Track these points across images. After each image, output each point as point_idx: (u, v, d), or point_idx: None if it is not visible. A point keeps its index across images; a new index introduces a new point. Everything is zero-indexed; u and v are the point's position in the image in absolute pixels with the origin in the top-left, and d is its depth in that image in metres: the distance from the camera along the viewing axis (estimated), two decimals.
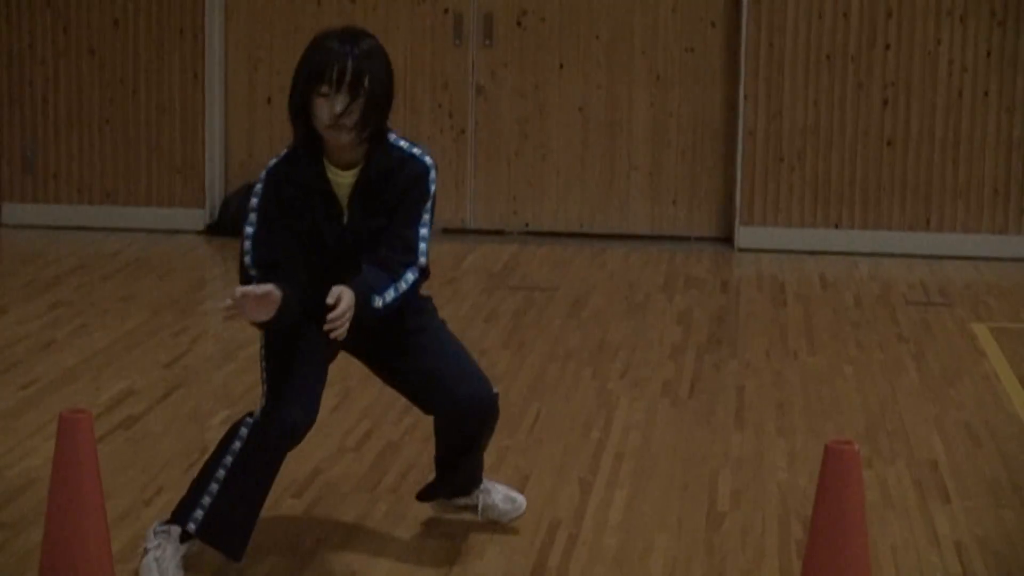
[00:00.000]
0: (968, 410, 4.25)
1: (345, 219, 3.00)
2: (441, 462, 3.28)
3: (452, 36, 6.55)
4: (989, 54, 6.24)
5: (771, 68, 6.34)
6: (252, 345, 4.87)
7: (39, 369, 4.53)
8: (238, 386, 4.41)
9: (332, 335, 2.85)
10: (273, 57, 6.64)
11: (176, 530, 3.05)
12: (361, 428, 4.04)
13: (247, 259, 2.99)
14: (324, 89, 2.91)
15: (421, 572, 3.13)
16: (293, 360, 3.01)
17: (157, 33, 6.56)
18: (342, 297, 2.85)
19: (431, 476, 3.36)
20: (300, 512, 3.44)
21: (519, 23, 6.54)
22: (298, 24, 6.61)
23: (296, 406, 2.98)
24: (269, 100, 6.67)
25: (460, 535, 3.31)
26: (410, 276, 2.99)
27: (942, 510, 3.49)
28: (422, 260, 3.00)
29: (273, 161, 3.04)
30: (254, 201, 3.00)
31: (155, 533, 3.07)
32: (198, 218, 6.64)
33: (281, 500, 3.50)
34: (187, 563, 3.06)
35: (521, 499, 3.34)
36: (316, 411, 3.03)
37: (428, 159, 3.04)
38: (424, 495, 3.36)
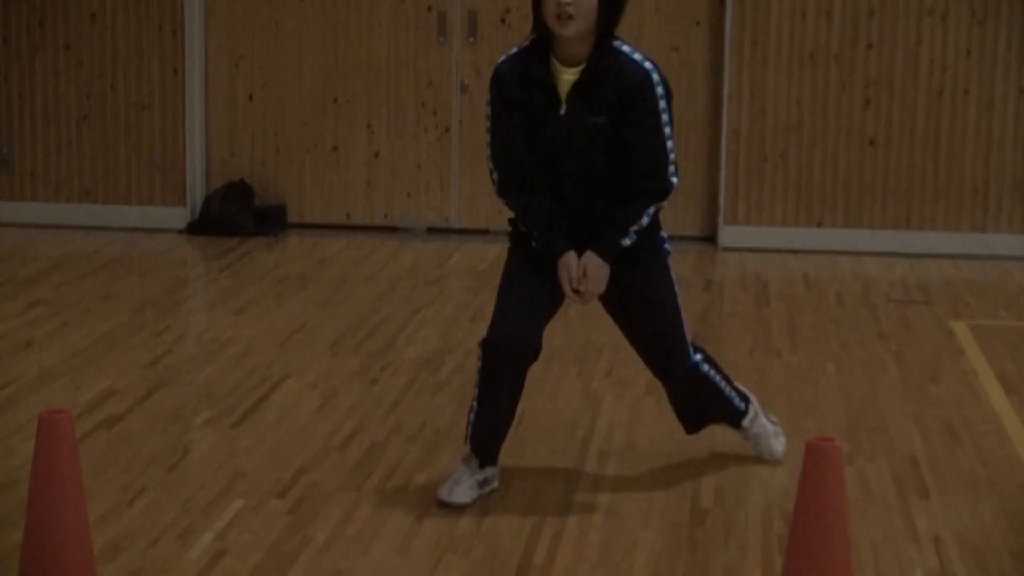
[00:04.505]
0: (947, 406, 4.27)
1: (563, 110, 3.29)
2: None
3: (436, 33, 6.52)
4: (969, 53, 6.27)
5: (755, 67, 6.34)
6: (234, 345, 4.85)
7: (18, 369, 4.50)
8: (220, 386, 4.38)
9: (578, 302, 3.27)
10: (255, 53, 6.60)
11: (475, 459, 3.46)
12: (346, 428, 4.02)
13: (488, 154, 3.37)
14: None
15: (406, 571, 3.12)
16: (522, 286, 3.35)
17: (136, 28, 6.51)
18: (588, 268, 3.25)
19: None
20: (284, 512, 3.42)
21: (503, 20, 6.52)
22: (279, 20, 6.57)
23: (510, 326, 3.30)
24: (251, 97, 6.63)
25: (445, 534, 3.31)
26: (658, 199, 3.34)
27: (921, 505, 3.51)
28: (673, 180, 3.35)
29: (501, 58, 3.35)
30: (488, 107, 3.36)
31: (462, 460, 3.48)
32: (179, 216, 6.59)
33: (265, 500, 3.49)
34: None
35: (782, 446, 3.73)
36: (534, 333, 3.34)
37: (648, 64, 3.31)
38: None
